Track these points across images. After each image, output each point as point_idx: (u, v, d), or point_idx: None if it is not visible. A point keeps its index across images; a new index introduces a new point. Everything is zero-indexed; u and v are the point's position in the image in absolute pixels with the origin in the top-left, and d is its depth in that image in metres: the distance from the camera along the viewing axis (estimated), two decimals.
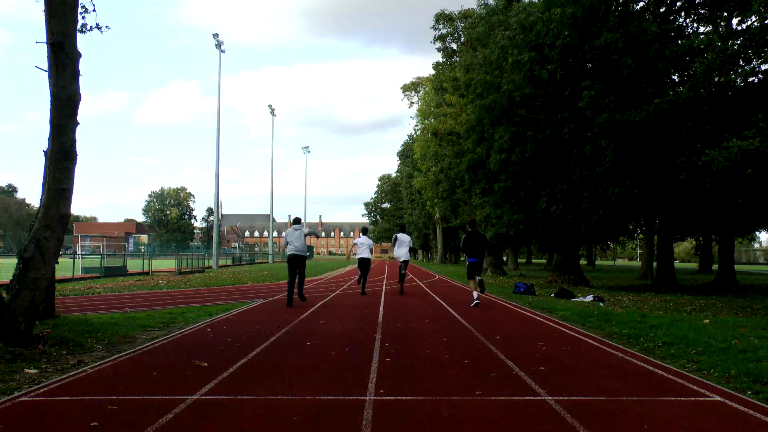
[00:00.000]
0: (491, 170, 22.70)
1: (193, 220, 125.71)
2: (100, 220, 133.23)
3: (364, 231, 16.08)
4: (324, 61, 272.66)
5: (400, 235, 15.53)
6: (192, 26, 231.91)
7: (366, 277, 15.17)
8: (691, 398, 4.65)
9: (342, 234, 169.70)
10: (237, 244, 74.89)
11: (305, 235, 12.22)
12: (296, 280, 12.10)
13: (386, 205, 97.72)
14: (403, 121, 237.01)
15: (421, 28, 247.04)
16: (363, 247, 15.00)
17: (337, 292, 15.97)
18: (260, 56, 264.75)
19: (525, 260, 62.58)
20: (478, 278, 12.18)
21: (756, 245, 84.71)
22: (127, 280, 21.39)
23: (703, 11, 20.37)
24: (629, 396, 4.65)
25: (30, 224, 7.31)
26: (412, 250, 19.81)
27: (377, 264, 51.77)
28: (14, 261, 7.36)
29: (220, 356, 6.19)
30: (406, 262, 15.66)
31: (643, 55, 17.26)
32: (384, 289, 17.22)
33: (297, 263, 12.06)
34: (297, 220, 12.63)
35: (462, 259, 69.11)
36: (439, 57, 45.38)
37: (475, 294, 12.08)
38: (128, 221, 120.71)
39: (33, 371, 5.40)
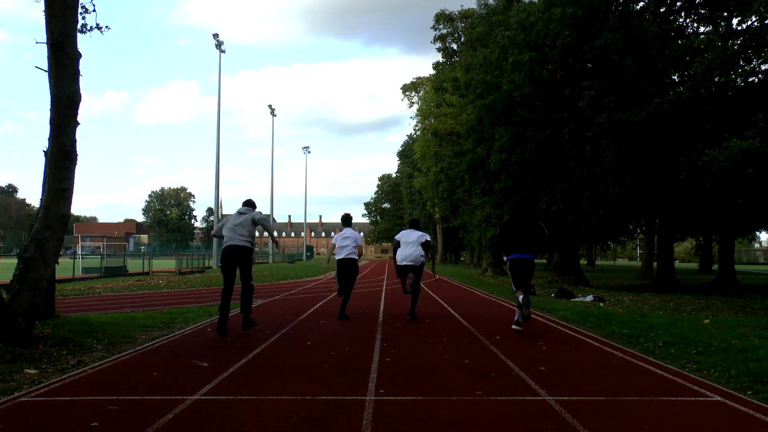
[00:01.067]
0: (491, 170, 22.70)
1: (193, 220, 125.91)
2: (101, 220, 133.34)
3: (347, 220, 10.22)
4: (323, 60, 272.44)
5: (406, 233, 9.86)
6: (191, 26, 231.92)
7: (350, 290, 9.80)
8: (691, 398, 4.66)
9: None
10: None
11: (254, 223, 7.95)
12: (233, 289, 7.74)
13: (386, 205, 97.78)
14: (402, 121, 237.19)
15: (421, 27, 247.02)
16: (345, 243, 9.75)
17: None
18: (259, 56, 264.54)
19: None
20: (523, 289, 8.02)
21: (756, 245, 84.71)
22: (127, 280, 21.40)
23: (703, 11, 20.37)
24: (629, 396, 4.65)
25: (30, 224, 7.32)
26: (427, 246, 9.90)
27: (377, 265, 51.75)
28: (14, 261, 7.37)
29: (220, 356, 6.19)
30: (418, 270, 9.65)
31: (643, 55, 17.26)
32: (384, 289, 17.23)
33: (236, 261, 7.69)
34: (247, 203, 8.34)
35: (461, 258, 68.48)
36: (439, 57, 45.45)
37: (519, 312, 8.00)
38: (128, 221, 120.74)
39: (33, 371, 5.40)
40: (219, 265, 7.88)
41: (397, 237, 9.89)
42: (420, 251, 9.59)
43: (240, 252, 7.70)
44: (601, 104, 17.59)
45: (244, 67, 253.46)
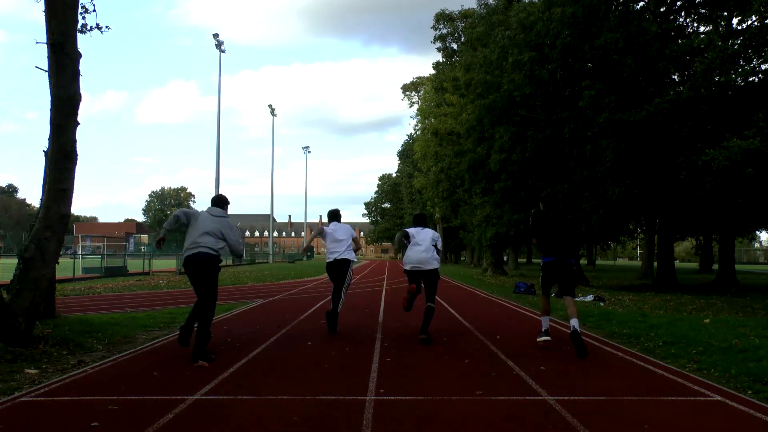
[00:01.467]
0: (491, 170, 22.71)
1: None
2: (101, 220, 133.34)
3: (335, 215, 8.27)
4: (323, 60, 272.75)
5: (415, 231, 7.60)
6: (190, 26, 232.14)
7: (343, 295, 7.91)
8: (692, 398, 4.65)
9: None
10: None
11: (223, 230, 6.37)
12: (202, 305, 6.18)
13: (386, 205, 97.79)
14: (402, 120, 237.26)
15: (420, 27, 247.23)
16: (339, 239, 7.98)
17: None
18: (258, 56, 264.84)
19: (525, 260, 62.61)
20: (566, 297, 6.87)
21: (756, 245, 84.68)
22: (128, 280, 21.40)
23: (703, 11, 20.36)
24: (629, 396, 4.65)
25: (30, 224, 7.32)
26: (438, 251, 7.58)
27: (377, 264, 51.71)
28: (14, 261, 7.37)
29: (221, 356, 6.19)
30: (432, 277, 7.48)
31: (643, 54, 17.26)
32: (384, 289, 17.23)
33: (201, 271, 6.18)
34: (219, 200, 6.74)
35: (461, 258, 68.10)
36: (439, 56, 45.49)
37: (545, 321, 6.93)
38: (128, 221, 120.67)
39: (33, 371, 5.40)
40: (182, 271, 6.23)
41: (407, 230, 7.62)
42: (434, 254, 7.45)
43: (207, 260, 6.17)
44: (601, 104, 17.58)
45: (243, 66, 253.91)
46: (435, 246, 7.53)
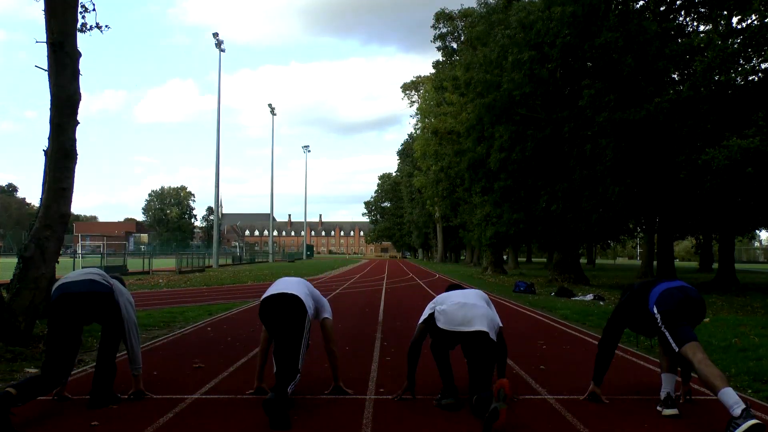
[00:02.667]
0: (491, 169, 22.70)
1: (193, 220, 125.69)
2: (101, 219, 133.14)
3: None
4: (321, 59, 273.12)
5: (457, 294, 4.59)
6: (188, 25, 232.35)
7: (289, 368, 4.12)
8: (691, 396, 4.65)
9: (342, 233, 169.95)
10: (237, 244, 74.99)
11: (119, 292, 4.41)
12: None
13: (386, 204, 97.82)
14: (401, 119, 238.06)
15: (419, 26, 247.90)
16: (289, 283, 4.67)
17: (337, 291, 15.98)
18: (257, 55, 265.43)
19: (525, 259, 62.60)
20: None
21: (756, 244, 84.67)
22: (127, 279, 21.35)
23: (703, 10, 20.35)
24: (629, 395, 4.65)
25: (30, 224, 7.32)
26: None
27: (377, 264, 51.50)
28: (14, 261, 7.36)
29: (221, 355, 6.19)
30: (485, 347, 4.12)
31: (643, 53, 17.25)
32: (384, 289, 17.23)
33: (81, 310, 4.15)
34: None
35: (461, 257, 66.74)
36: (438, 55, 45.46)
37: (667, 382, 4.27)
38: (128, 221, 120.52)
39: (33, 370, 5.40)
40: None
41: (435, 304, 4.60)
42: (487, 310, 4.39)
43: (100, 294, 4.22)
44: (601, 103, 17.57)
45: (242, 66, 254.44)
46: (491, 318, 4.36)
